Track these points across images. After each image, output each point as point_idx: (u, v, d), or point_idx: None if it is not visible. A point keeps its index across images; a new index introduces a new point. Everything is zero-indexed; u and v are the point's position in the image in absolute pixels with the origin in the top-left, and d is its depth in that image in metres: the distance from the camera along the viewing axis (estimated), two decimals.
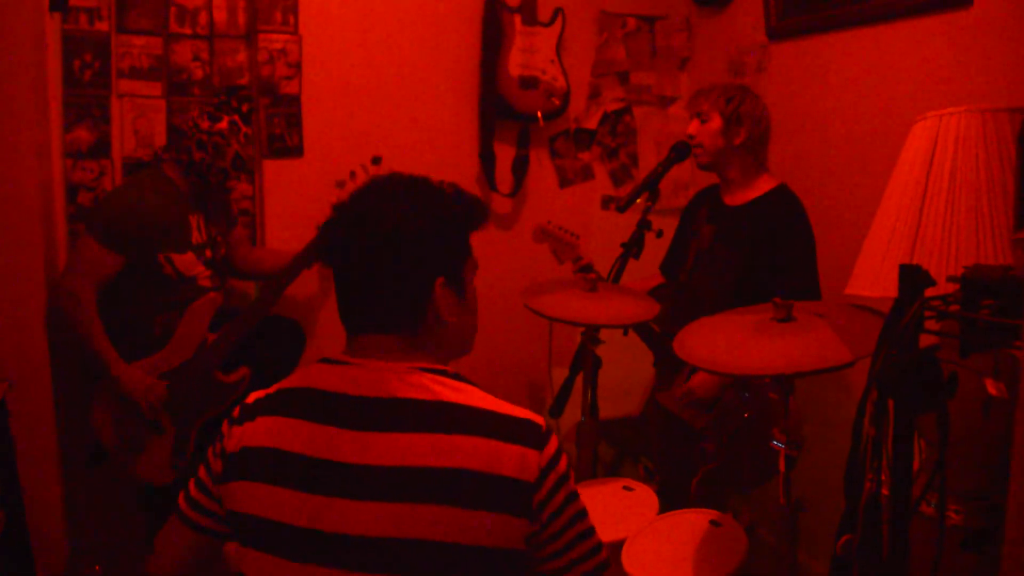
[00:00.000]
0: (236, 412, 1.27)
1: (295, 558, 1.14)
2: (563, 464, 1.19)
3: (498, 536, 1.12)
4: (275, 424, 1.21)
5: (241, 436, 1.22)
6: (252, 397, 1.28)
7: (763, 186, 2.42)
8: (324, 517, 1.14)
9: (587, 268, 2.51)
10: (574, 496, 1.20)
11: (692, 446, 2.37)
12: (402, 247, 1.20)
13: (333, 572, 1.13)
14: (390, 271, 1.20)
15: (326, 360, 1.26)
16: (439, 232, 1.22)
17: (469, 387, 1.22)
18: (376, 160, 2.83)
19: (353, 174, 2.78)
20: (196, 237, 2.53)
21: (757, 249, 2.34)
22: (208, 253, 2.58)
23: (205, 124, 2.45)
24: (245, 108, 2.55)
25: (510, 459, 1.14)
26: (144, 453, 2.49)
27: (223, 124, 2.45)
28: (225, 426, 1.26)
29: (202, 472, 1.29)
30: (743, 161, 2.42)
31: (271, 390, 1.27)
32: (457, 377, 1.24)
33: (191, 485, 1.30)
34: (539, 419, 1.20)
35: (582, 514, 1.21)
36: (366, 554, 1.12)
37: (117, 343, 2.42)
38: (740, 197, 2.45)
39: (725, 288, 2.38)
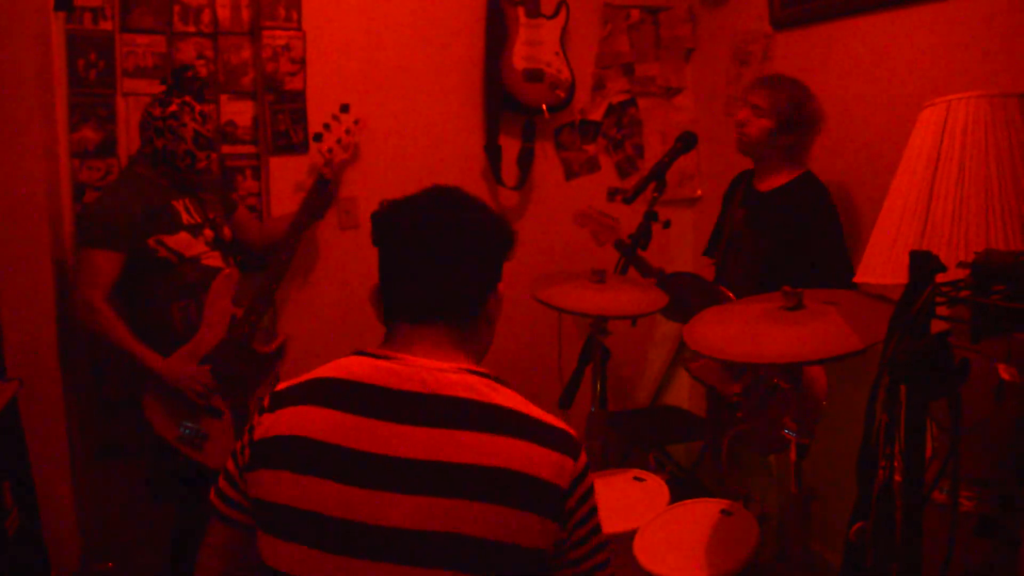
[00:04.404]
0: (266, 401, 1.26)
1: (327, 548, 1.13)
2: (591, 478, 1.22)
3: (533, 536, 1.13)
4: (309, 413, 1.19)
5: (271, 424, 1.21)
6: (282, 385, 1.27)
7: (791, 172, 2.46)
8: (360, 508, 1.13)
9: (619, 243, 2.64)
10: (596, 510, 1.22)
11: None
12: (489, 241, 1.29)
13: (366, 563, 1.12)
14: (472, 256, 1.27)
15: (363, 353, 1.25)
16: (508, 244, 1.31)
17: (510, 391, 1.23)
18: (344, 108, 2.89)
19: (327, 126, 2.84)
20: (187, 219, 2.53)
21: (783, 236, 2.37)
22: (209, 233, 2.57)
23: (157, 111, 2.47)
24: (196, 87, 2.56)
25: (548, 464, 1.15)
26: (209, 441, 2.50)
27: (174, 107, 2.47)
28: (255, 416, 1.25)
29: (230, 465, 1.27)
30: (781, 154, 2.46)
31: (302, 379, 1.25)
32: (498, 380, 1.24)
33: (220, 480, 1.28)
34: (573, 431, 1.22)
35: (599, 527, 1.23)
36: (401, 546, 1.11)
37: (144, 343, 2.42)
38: (769, 183, 2.49)
39: (753, 273, 2.41)
